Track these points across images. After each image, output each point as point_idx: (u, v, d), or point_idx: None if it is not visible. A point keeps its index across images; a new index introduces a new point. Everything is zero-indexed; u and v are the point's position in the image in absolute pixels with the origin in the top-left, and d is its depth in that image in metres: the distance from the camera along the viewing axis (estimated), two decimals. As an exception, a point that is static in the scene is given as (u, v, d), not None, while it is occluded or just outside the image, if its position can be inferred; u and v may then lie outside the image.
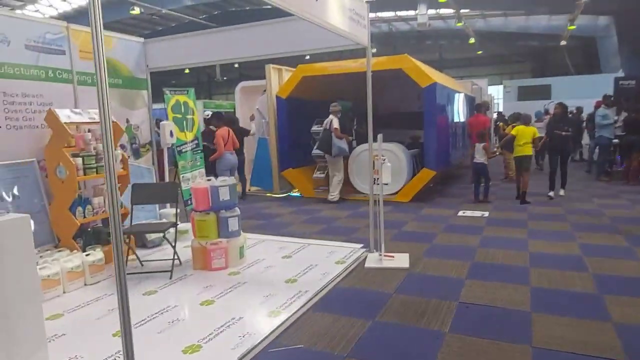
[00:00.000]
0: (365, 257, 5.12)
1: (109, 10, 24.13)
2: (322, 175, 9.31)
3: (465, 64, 33.72)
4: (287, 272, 4.69)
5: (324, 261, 5.03)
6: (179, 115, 6.83)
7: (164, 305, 3.92)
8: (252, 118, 9.86)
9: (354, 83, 11.12)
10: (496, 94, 31.19)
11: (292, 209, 8.20)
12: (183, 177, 6.78)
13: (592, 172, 11.21)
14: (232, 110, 13.86)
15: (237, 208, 5.03)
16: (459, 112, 10.59)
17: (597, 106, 10.90)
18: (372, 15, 31.75)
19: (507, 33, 30.03)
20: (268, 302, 3.93)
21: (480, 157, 8.06)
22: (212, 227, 4.90)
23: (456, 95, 10.48)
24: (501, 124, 14.58)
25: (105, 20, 2.32)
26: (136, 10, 22.85)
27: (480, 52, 32.34)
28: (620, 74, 24.22)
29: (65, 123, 4.84)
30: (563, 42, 26.79)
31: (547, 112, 13.84)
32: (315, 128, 9.26)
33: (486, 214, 7.19)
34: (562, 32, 26.58)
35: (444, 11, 28.60)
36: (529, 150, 7.95)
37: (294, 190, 9.61)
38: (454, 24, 28.68)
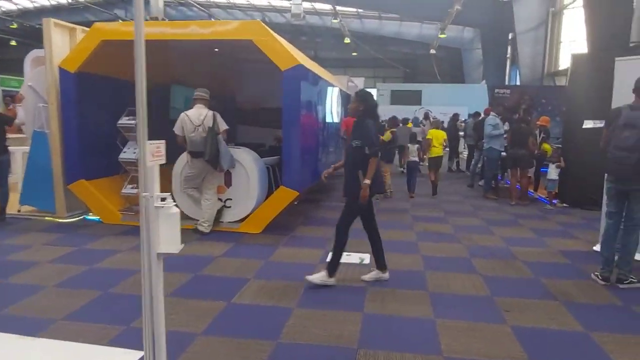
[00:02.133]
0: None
1: None
2: (136, 191, 6.19)
3: (340, 64, 32.60)
4: None
5: None
6: None
7: None
8: (17, 100, 6.27)
9: (196, 60, 7.66)
10: (370, 97, 30.57)
11: (67, 249, 4.94)
12: None
13: (475, 187, 9.88)
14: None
15: None
16: (332, 110, 8.30)
17: (487, 113, 9.56)
18: (243, 0, 28.51)
19: (381, 37, 29.54)
20: None
21: (414, 157, 8.75)
22: None
23: (330, 88, 8.16)
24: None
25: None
26: None
27: (356, 53, 31.50)
28: (483, 84, 25.02)
29: None
30: (433, 51, 26.97)
31: (426, 116, 12.58)
32: (125, 121, 6.10)
33: (366, 259, 4.85)
34: (432, 40, 26.74)
35: (320, 6, 26.92)
36: (441, 152, 9.10)
37: (92, 214, 6.31)
38: (330, 22, 27.23)
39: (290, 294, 3.86)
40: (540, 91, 12.88)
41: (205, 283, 4.12)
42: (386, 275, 4.23)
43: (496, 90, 12.72)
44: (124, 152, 6.16)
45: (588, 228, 6.47)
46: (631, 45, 11.57)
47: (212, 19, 26.09)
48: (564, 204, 7.92)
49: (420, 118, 14.71)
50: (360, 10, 26.47)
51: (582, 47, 18.03)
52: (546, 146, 8.31)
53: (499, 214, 7.33)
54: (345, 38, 27.34)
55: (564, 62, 18.24)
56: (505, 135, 8.57)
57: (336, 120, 8.53)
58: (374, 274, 4.24)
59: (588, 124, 4.98)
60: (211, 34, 5.63)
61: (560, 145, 8.20)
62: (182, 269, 4.28)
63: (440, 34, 23.39)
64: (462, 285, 4.17)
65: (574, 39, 17.86)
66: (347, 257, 4.87)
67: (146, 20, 5.89)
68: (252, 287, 4.04)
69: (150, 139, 2.18)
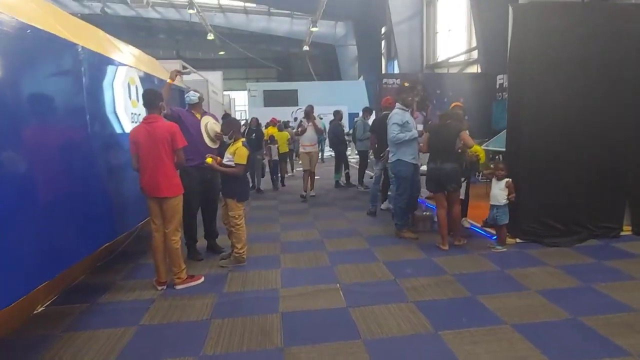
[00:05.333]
0: None
1: None
2: None
3: (208, 65, 27.93)
4: None
5: None
6: None
7: None
8: None
9: None
10: (244, 100, 26.55)
11: None
12: None
13: (378, 213, 6.49)
14: None
15: None
16: (117, 110, 4.10)
17: (386, 105, 6.19)
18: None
19: (250, 34, 25.65)
20: None
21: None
22: None
23: (108, 69, 3.99)
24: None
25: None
26: None
27: (223, 52, 27.14)
28: (361, 81, 22.58)
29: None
30: (306, 48, 23.90)
31: (308, 114, 8.62)
32: None
33: None
34: (304, 36, 23.68)
35: (174, -3, 22.15)
36: (286, 149, 9.85)
37: None
38: (189, 16, 22.54)
39: None
40: (433, 79, 10.20)
41: None
42: None
43: (384, 81, 9.66)
44: None
45: (606, 307, 3.32)
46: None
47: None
48: (516, 239, 4.87)
49: (300, 118, 10.75)
50: (222, 2, 22.26)
51: (460, 37, 16.37)
52: (477, 148, 5.17)
53: (439, 283, 3.88)
54: (209, 34, 22.89)
55: (443, 54, 16.29)
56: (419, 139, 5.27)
57: (128, 127, 4.31)
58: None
59: None
60: None
61: (502, 150, 5.13)
62: None
63: (312, 27, 20.30)
64: None
65: (450, 28, 16.00)
66: None
67: None
68: None
69: None
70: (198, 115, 4.59)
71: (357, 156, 9.73)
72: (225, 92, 18.47)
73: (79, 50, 3.40)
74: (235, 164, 4.18)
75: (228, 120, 4.51)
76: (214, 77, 12.26)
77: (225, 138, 4.39)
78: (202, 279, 4.03)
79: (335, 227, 5.95)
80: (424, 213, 5.53)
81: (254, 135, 8.73)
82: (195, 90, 4.58)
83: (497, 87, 9.56)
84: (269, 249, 4.99)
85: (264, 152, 9.12)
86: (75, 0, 22.40)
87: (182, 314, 3.38)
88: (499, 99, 9.50)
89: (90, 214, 3.51)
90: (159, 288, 3.87)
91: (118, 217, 4.10)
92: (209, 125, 4.51)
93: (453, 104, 5.57)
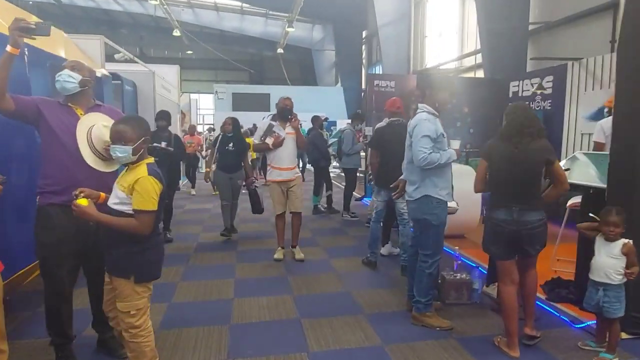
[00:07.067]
0: None
1: None
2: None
3: (173, 64, 25.52)
4: None
5: None
6: None
7: None
8: None
9: None
10: (211, 103, 24.21)
11: None
12: None
13: (380, 261, 4.43)
14: None
15: None
16: None
17: (392, 110, 4.16)
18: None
19: (221, 33, 23.38)
20: None
21: None
22: None
23: None
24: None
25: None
26: None
27: (191, 52, 24.69)
28: (339, 87, 20.70)
29: None
30: (280, 50, 21.85)
31: (284, 113, 5.95)
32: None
33: None
34: (279, 39, 21.65)
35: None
36: (254, 156, 8.83)
37: None
38: (153, 10, 20.07)
39: None
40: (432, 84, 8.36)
41: None
42: None
43: (376, 83, 7.68)
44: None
45: None
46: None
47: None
48: (622, 333, 2.90)
49: (267, 120, 7.30)
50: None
51: (452, 41, 14.72)
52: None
53: None
54: (175, 30, 20.48)
55: (432, 59, 14.59)
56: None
57: None
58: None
59: None
60: None
61: (595, 185, 3.17)
62: None
63: (288, 27, 18.27)
64: None
65: (440, 32, 14.32)
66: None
67: None
68: None
69: None
70: (80, 112, 2.41)
71: (338, 171, 7.70)
72: (188, 92, 16.13)
73: None
74: (134, 210, 2.01)
75: (122, 119, 2.26)
76: (168, 71, 10.05)
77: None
78: None
79: (318, 289, 3.85)
80: (457, 276, 3.51)
81: (231, 145, 5.38)
82: (73, 70, 2.37)
83: (511, 95, 7.77)
84: (207, 347, 2.82)
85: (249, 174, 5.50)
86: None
87: None
88: (513, 109, 7.72)
89: None
90: None
91: None
92: (95, 130, 2.33)
93: (517, 105, 3.31)
